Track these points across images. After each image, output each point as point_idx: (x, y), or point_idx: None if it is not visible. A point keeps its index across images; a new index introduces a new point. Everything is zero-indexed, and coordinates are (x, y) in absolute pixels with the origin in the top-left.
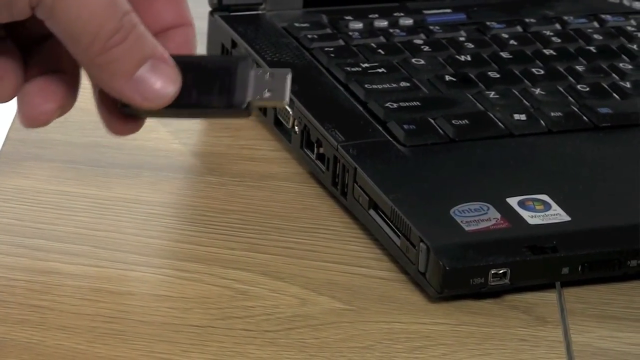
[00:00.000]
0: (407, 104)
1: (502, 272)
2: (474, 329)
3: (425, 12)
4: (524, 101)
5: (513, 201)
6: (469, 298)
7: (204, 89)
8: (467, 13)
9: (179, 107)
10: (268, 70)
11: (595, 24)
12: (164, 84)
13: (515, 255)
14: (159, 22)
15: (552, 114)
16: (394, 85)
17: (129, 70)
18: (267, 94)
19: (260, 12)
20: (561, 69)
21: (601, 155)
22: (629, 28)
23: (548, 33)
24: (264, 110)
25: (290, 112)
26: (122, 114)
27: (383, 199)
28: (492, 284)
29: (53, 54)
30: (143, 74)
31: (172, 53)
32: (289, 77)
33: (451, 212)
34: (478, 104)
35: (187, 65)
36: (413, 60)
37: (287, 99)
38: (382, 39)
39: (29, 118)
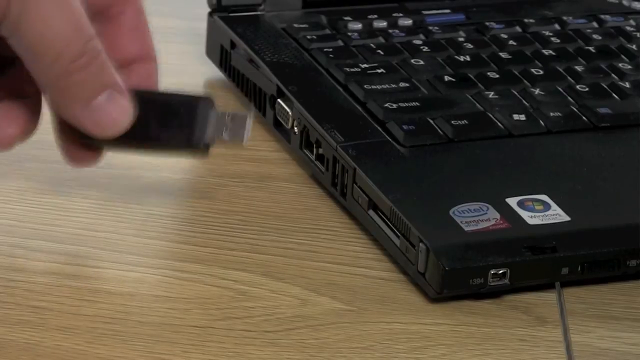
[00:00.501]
0: (406, 104)
1: (502, 273)
2: (474, 329)
3: (425, 12)
4: (524, 101)
5: (512, 201)
6: (468, 298)
7: (164, 125)
8: (466, 13)
9: (138, 141)
10: (228, 112)
11: (595, 24)
12: (118, 115)
13: (514, 256)
14: (123, 53)
15: (552, 114)
16: (393, 85)
17: (87, 96)
18: (226, 136)
19: (259, 12)
20: (560, 69)
21: (601, 156)
22: (628, 28)
23: (547, 33)
24: (263, 111)
25: (290, 113)
26: (82, 144)
27: (382, 200)
28: (492, 284)
29: (16, 78)
30: (100, 102)
31: (134, 87)
32: (249, 120)
33: (451, 212)
34: (477, 105)
35: (148, 100)
36: (412, 60)
37: (245, 141)
38: (381, 39)
39: None
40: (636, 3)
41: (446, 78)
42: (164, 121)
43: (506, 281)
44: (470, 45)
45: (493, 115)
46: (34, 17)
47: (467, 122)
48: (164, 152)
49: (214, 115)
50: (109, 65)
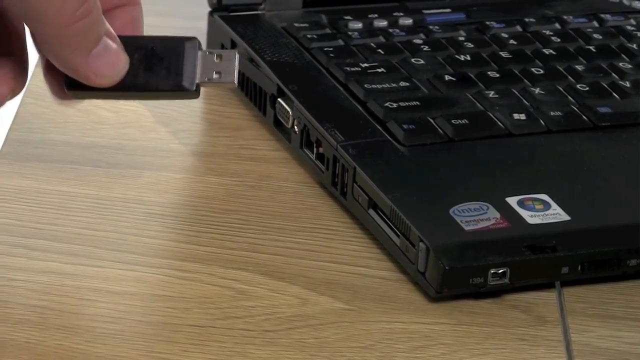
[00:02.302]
0: (406, 103)
1: (502, 272)
2: (474, 329)
3: (425, 11)
4: (524, 101)
5: (512, 201)
6: (468, 298)
7: (152, 70)
8: (467, 13)
9: (126, 88)
10: (215, 52)
11: (595, 24)
12: (116, 62)
13: (514, 255)
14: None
15: (552, 113)
16: (394, 85)
17: (88, 46)
18: (215, 76)
19: (259, 12)
20: (561, 69)
21: (601, 155)
22: (629, 27)
23: (547, 33)
24: (263, 110)
25: (290, 112)
26: (68, 94)
27: (382, 199)
28: (492, 283)
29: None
30: (99, 51)
31: (118, 32)
32: (237, 58)
33: (451, 211)
34: (477, 104)
35: (134, 45)
36: (412, 60)
37: (236, 80)
38: (381, 38)
39: None
40: (636, 2)
41: (446, 77)
42: (152, 66)
43: (506, 280)
44: (470, 45)
45: (493, 115)
46: None
47: (467, 122)
48: (153, 96)
49: (201, 56)
50: (101, 13)
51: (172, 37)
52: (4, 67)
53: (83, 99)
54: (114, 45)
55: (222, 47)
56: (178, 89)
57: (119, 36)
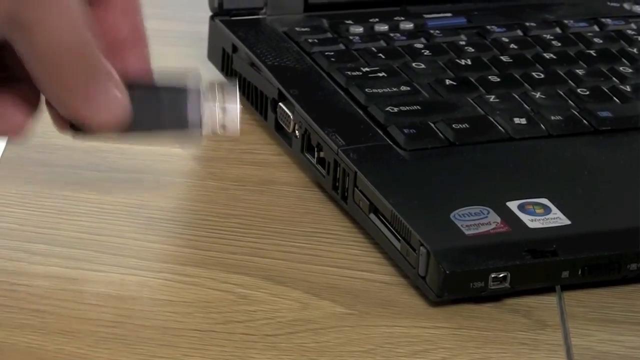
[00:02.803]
0: (407, 108)
1: (502, 276)
2: (475, 333)
3: (426, 16)
4: (524, 105)
5: (513, 205)
6: (469, 302)
7: (155, 114)
8: (467, 17)
9: (130, 133)
10: (217, 100)
11: (596, 28)
12: (114, 107)
13: (515, 259)
14: (113, 36)
15: (552, 117)
16: (395, 89)
17: (85, 86)
18: (219, 129)
19: (261, 16)
20: (561, 73)
21: (601, 159)
22: (629, 32)
23: (548, 37)
24: (264, 115)
25: (291, 117)
26: (72, 135)
27: (383, 203)
28: (492, 287)
29: (8, 62)
30: (98, 97)
31: (126, 73)
32: (238, 109)
33: (451, 216)
34: (478, 108)
35: (137, 88)
36: (413, 64)
37: (238, 128)
38: (382, 43)
39: (6, 131)
40: (637, 6)
41: (447, 82)
42: (156, 110)
43: (507, 285)
44: (471, 49)
45: (494, 119)
46: (35, 23)
47: (468, 126)
48: (158, 140)
49: (204, 103)
50: (102, 57)
51: (176, 80)
52: (16, 94)
53: (89, 140)
54: (116, 90)
55: (224, 51)
56: (180, 133)
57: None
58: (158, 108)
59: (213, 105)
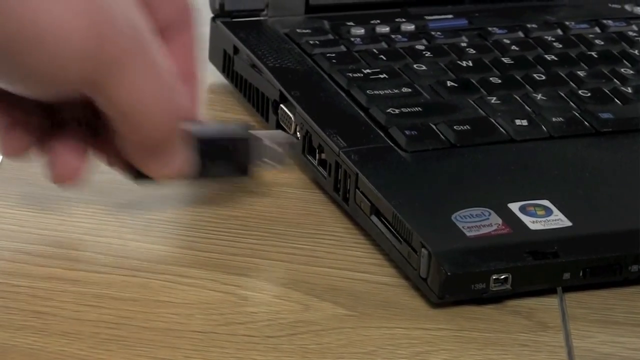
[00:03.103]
0: (408, 109)
1: (504, 278)
2: (476, 334)
3: (427, 17)
4: (526, 106)
5: (514, 206)
6: (470, 303)
7: (211, 159)
8: (469, 19)
9: (187, 176)
10: (268, 139)
11: (597, 29)
12: (184, 163)
13: (516, 261)
14: None
15: (554, 119)
16: (396, 90)
17: (164, 151)
18: (267, 162)
19: (262, 18)
20: (562, 74)
21: (602, 161)
22: (631, 33)
23: (549, 38)
24: (266, 116)
25: (292, 118)
26: (133, 180)
27: (385, 205)
28: (494, 289)
29: (73, 107)
30: (171, 156)
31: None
32: (288, 147)
33: (453, 217)
34: (479, 110)
35: (194, 135)
36: (415, 65)
37: (284, 163)
38: (383, 44)
39: (60, 175)
40: (638, 8)
41: (448, 83)
42: (211, 155)
43: (508, 286)
44: (472, 51)
45: (495, 121)
46: (127, 78)
47: (469, 128)
48: (210, 180)
49: (257, 146)
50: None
51: (230, 128)
52: (78, 138)
53: (148, 185)
54: (186, 147)
55: (225, 53)
56: (233, 176)
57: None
58: (219, 158)
59: (267, 151)
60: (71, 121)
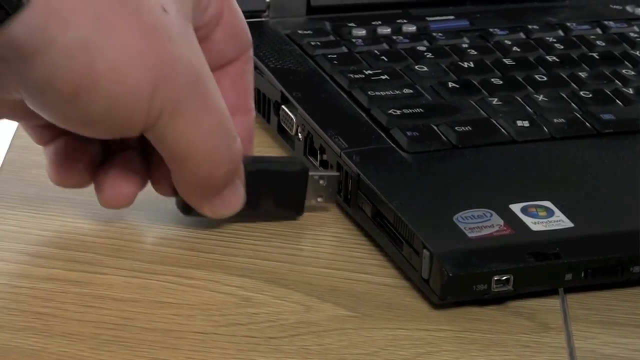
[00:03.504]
0: (410, 110)
1: (505, 279)
2: (478, 335)
3: (428, 19)
4: (527, 108)
5: (516, 207)
6: (472, 304)
7: (263, 195)
8: (470, 20)
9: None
10: (320, 176)
11: (598, 31)
12: (236, 202)
13: (518, 262)
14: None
15: (555, 120)
16: (397, 92)
17: (219, 191)
18: (319, 199)
19: (263, 19)
20: (564, 76)
21: (604, 162)
22: (632, 34)
23: (551, 39)
24: (267, 117)
25: (294, 119)
26: (183, 213)
27: (386, 206)
28: (495, 290)
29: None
30: (226, 194)
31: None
32: (337, 182)
33: (454, 218)
34: (481, 111)
35: (248, 171)
36: (416, 67)
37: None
38: (385, 45)
39: (110, 200)
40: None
41: (450, 84)
42: (264, 191)
43: (510, 287)
44: (473, 52)
45: (497, 122)
46: (182, 122)
47: (470, 129)
48: (259, 217)
49: (310, 182)
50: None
51: (283, 161)
52: (130, 164)
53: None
54: (240, 184)
55: None
56: (286, 212)
57: None
58: (273, 194)
59: (314, 178)
60: (125, 147)
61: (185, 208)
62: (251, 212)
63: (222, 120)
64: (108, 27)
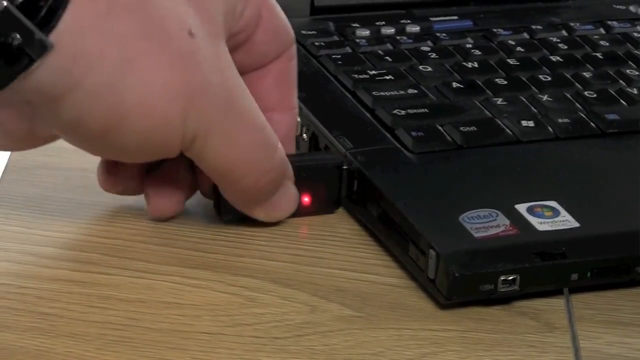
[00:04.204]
0: (414, 111)
1: (511, 279)
2: (483, 335)
3: (432, 19)
4: (532, 108)
5: (522, 208)
6: (478, 304)
7: (302, 192)
8: (474, 20)
9: None
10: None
11: (602, 31)
12: (289, 205)
13: (524, 262)
14: (265, 99)
15: (560, 120)
16: (402, 92)
17: (268, 198)
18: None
19: None
20: (568, 76)
21: (609, 162)
22: (636, 34)
23: (554, 40)
24: None
25: (299, 120)
26: (224, 219)
27: (392, 206)
28: (501, 290)
29: None
30: (276, 198)
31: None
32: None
33: (460, 218)
34: (485, 111)
35: (299, 174)
36: (420, 67)
37: None
38: (389, 46)
39: (157, 209)
40: None
41: (454, 84)
42: (303, 188)
43: (516, 287)
44: (477, 52)
45: (501, 122)
46: (217, 143)
47: (475, 129)
48: (299, 213)
49: (343, 176)
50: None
51: (319, 156)
52: (177, 176)
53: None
54: (291, 185)
55: None
56: (323, 209)
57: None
58: (305, 183)
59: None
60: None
61: (224, 209)
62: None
63: (258, 134)
64: (133, 63)
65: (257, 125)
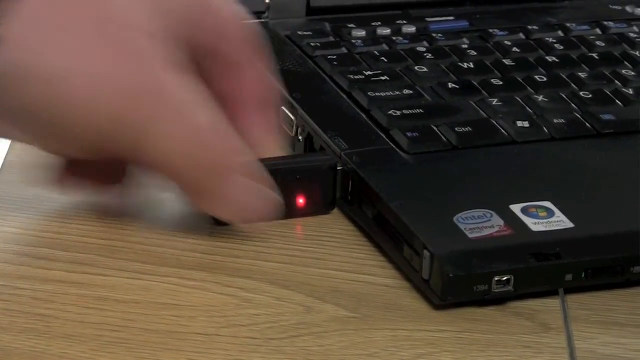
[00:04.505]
0: (410, 111)
1: (506, 279)
2: (478, 336)
3: (428, 19)
4: (527, 108)
5: (516, 208)
6: (472, 305)
7: (291, 194)
8: (470, 20)
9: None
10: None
11: (598, 31)
12: (263, 203)
13: (518, 262)
14: (246, 132)
15: (555, 120)
16: (397, 92)
17: (215, 192)
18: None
19: (263, 20)
20: (564, 76)
21: (604, 162)
22: (632, 34)
23: (550, 40)
24: None
25: (294, 120)
26: (212, 226)
27: (386, 207)
28: (496, 290)
29: None
30: (231, 195)
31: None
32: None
33: (454, 219)
34: (481, 111)
35: (275, 171)
36: (416, 67)
37: None
38: (384, 46)
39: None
40: (639, 9)
41: (450, 85)
42: (291, 190)
43: (510, 288)
44: (473, 52)
45: (497, 122)
46: (153, 141)
47: (470, 129)
48: (293, 215)
49: (337, 177)
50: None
51: (312, 157)
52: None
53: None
54: (243, 179)
55: None
56: (317, 210)
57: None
58: (293, 185)
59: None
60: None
61: (214, 220)
62: (284, 209)
63: (196, 130)
64: (79, 55)
65: (195, 122)
